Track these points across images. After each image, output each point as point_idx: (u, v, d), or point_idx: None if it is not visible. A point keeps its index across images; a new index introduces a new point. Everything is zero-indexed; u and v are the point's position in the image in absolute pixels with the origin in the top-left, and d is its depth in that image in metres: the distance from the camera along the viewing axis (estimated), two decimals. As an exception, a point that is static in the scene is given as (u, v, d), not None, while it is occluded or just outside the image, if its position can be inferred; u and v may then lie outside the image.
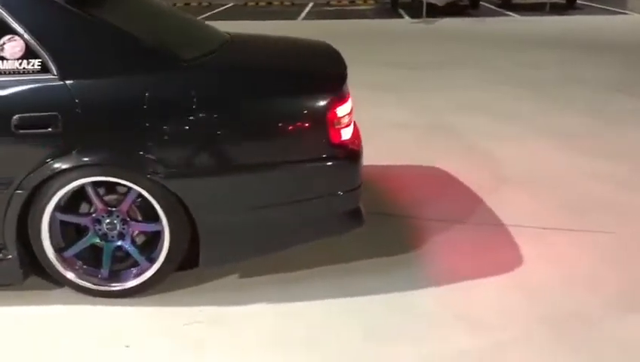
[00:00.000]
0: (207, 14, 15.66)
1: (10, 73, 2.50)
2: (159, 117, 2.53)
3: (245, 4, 17.74)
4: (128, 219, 2.68)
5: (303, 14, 15.26)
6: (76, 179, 2.54)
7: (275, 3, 17.73)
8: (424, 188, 4.13)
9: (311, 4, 17.17)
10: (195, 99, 2.56)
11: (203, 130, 2.57)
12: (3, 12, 2.50)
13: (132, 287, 2.72)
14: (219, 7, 17.07)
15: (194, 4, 17.91)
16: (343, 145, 2.73)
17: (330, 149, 2.69)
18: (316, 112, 2.66)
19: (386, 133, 5.33)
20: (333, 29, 12.51)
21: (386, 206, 3.79)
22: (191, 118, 2.55)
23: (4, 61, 2.50)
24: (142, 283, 2.71)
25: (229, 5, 17.48)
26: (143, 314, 2.66)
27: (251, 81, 2.71)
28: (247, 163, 2.63)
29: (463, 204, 3.85)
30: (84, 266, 2.72)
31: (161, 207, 2.59)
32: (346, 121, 2.76)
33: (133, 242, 2.72)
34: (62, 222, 2.66)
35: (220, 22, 13.70)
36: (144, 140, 2.53)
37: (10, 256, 2.60)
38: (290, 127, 2.68)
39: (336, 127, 2.70)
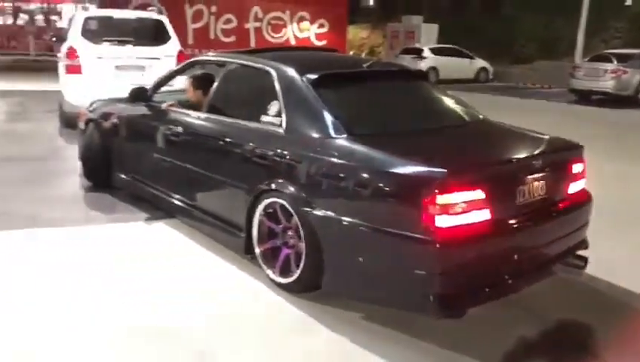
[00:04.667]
0: None
1: (267, 123, 3.95)
2: (313, 170, 3.55)
3: None
4: (296, 236, 3.71)
5: None
6: (269, 198, 3.78)
7: None
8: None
9: None
10: (333, 163, 3.44)
11: (332, 188, 3.45)
12: (278, 87, 3.96)
13: (282, 283, 3.76)
14: None
15: None
16: (432, 230, 3.03)
17: (420, 230, 3.06)
18: (413, 196, 3.11)
19: None
20: None
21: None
22: (327, 176, 3.46)
23: (268, 116, 3.97)
24: (287, 283, 3.72)
25: None
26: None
27: (371, 157, 3.36)
28: (353, 220, 3.30)
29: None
30: (273, 258, 3.89)
31: (304, 233, 3.55)
32: (458, 209, 3.06)
33: (299, 254, 3.70)
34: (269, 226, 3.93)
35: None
36: (305, 184, 3.58)
37: (242, 235, 4.06)
38: (392, 202, 3.24)
39: (433, 212, 3.03)
